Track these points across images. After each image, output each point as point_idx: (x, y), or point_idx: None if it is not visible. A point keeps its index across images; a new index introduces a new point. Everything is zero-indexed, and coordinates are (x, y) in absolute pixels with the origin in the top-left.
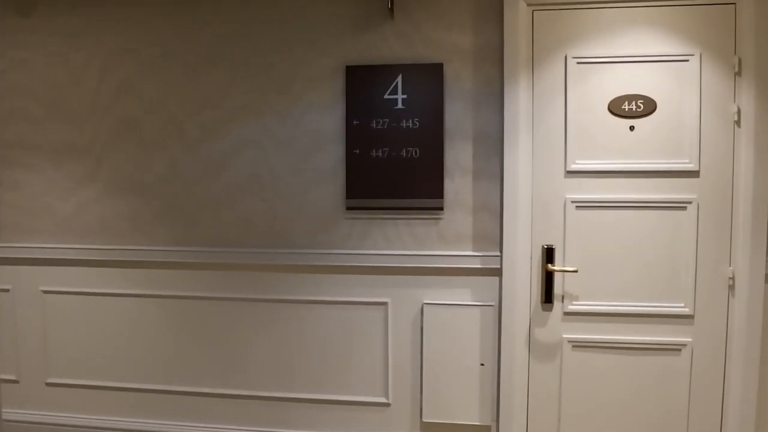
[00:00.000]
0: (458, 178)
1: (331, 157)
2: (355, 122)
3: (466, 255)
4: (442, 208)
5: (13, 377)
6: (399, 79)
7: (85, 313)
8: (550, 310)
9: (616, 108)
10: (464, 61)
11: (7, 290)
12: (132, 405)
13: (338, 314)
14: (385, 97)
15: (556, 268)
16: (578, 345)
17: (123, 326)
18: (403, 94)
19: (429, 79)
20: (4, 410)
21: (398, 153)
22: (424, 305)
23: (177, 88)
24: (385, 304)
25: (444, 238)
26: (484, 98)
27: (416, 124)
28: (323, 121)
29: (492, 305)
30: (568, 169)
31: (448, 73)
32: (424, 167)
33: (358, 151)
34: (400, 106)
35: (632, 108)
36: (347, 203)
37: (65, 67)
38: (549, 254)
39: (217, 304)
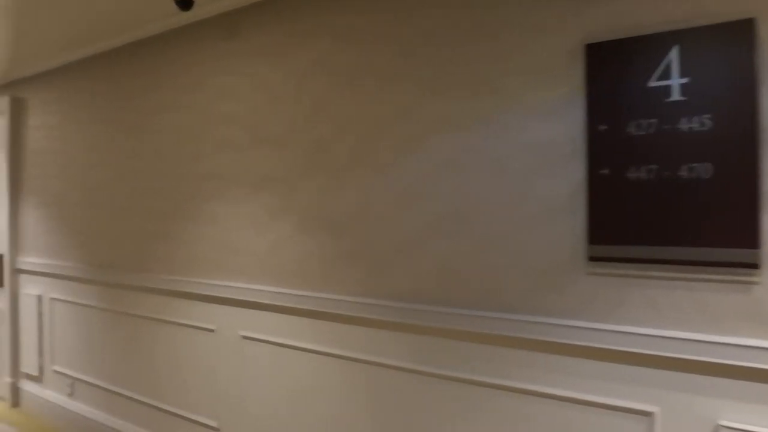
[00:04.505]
0: None
1: (564, 182)
2: (601, 127)
3: None
4: (756, 265)
5: (214, 424)
6: (673, 54)
7: (276, 367)
8: None
9: None
10: None
11: (212, 330)
12: None
13: (573, 418)
14: (650, 85)
15: None
16: None
17: (306, 387)
18: (681, 77)
19: (727, 48)
20: None
21: (674, 172)
22: (720, 428)
23: (368, 99)
24: (649, 414)
25: (758, 317)
26: None
27: (706, 125)
28: (550, 130)
29: None
30: None
31: (765, 33)
32: (721, 194)
33: (607, 172)
34: (675, 96)
35: None
36: (590, 251)
37: (265, 89)
38: None
39: (407, 376)
